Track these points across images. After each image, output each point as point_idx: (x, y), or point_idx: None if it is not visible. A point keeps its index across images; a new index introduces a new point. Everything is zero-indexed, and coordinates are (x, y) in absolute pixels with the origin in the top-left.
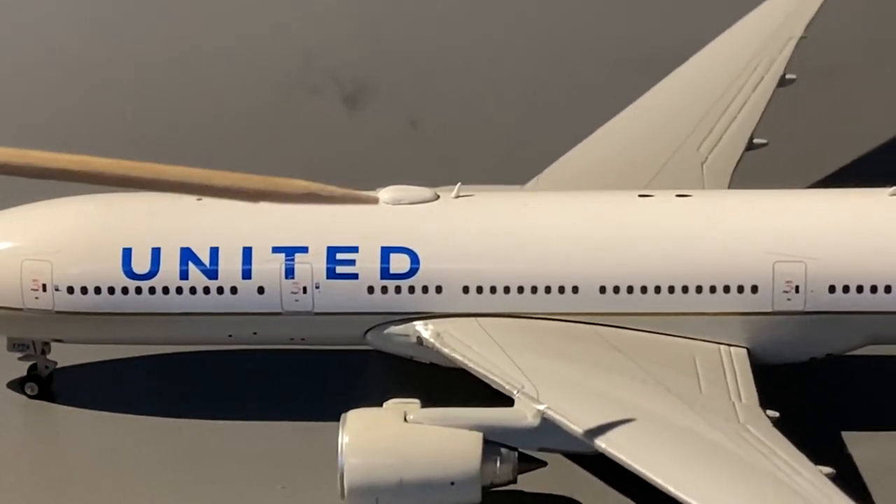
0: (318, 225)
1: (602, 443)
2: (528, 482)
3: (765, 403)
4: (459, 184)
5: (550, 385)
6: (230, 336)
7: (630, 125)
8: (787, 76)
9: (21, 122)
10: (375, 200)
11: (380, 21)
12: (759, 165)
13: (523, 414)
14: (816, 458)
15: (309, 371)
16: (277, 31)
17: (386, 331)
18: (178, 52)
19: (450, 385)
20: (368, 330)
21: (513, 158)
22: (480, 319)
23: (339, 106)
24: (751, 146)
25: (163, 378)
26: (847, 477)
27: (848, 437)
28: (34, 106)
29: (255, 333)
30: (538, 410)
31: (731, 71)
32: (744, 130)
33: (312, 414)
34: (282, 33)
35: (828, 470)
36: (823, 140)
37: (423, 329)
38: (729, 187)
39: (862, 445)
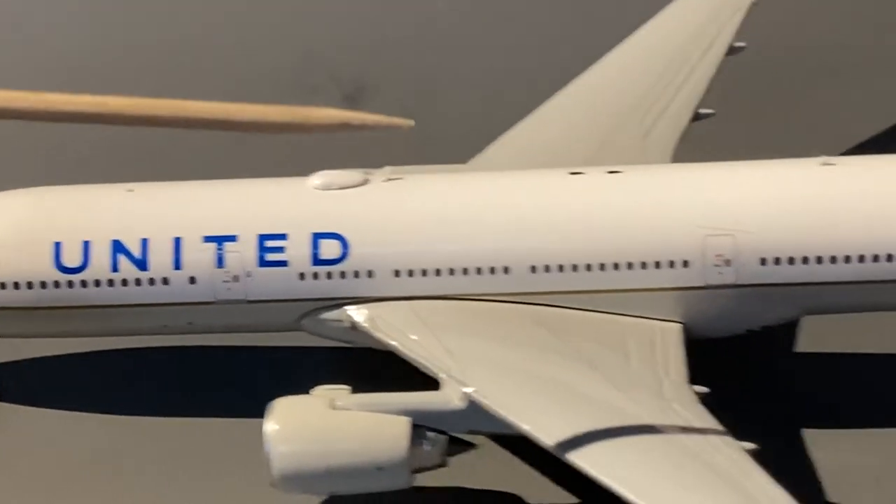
0: (247, 213)
1: (524, 424)
2: (460, 464)
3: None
4: (388, 167)
5: (478, 367)
6: (165, 326)
7: (574, 99)
8: (737, 44)
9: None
10: (409, 125)
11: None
12: (711, 136)
13: (450, 397)
14: (757, 437)
15: (268, 365)
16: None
17: (320, 316)
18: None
19: (401, 370)
20: (303, 316)
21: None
22: (413, 302)
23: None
24: (697, 117)
25: (108, 374)
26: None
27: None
28: None
29: (189, 323)
30: (464, 393)
31: (679, 41)
32: (689, 101)
33: None
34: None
35: (750, 445)
36: (772, 110)
37: (356, 314)
38: (675, 159)
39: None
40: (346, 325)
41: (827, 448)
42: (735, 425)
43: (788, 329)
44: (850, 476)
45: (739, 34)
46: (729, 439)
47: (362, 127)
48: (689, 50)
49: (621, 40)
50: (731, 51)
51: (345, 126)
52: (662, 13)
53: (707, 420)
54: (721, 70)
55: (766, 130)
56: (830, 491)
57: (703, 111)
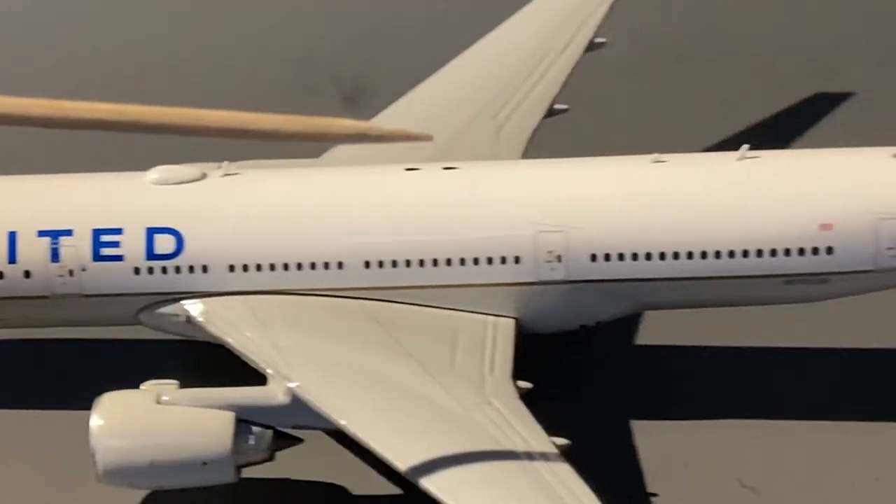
0: (83, 208)
1: (341, 419)
2: (287, 459)
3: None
4: (226, 162)
5: (305, 363)
6: (2, 320)
7: (431, 94)
8: (597, 40)
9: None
10: (429, 138)
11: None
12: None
13: (275, 393)
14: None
15: (106, 358)
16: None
17: (157, 311)
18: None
19: (240, 365)
20: (140, 310)
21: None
22: (247, 297)
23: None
24: (552, 112)
25: None
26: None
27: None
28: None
29: (27, 316)
30: (289, 389)
31: (539, 36)
32: (544, 97)
33: None
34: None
35: (562, 441)
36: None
37: (192, 308)
38: (527, 153)
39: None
40: (182, 319)
41: (651, 439)
42: (565, 420)
43: (621, 322)
44: (670, 465)
45: (600, 30)
46: (542, 435)
47: (380, 139)
48: (548, 46)
49: None
50: (592, 47)
51: (362, 137)
52: (524, 10)
53: (523, 416)
54: (580, 66)
55: (619, 128)
56: (651, 480)
57: (557, 107)
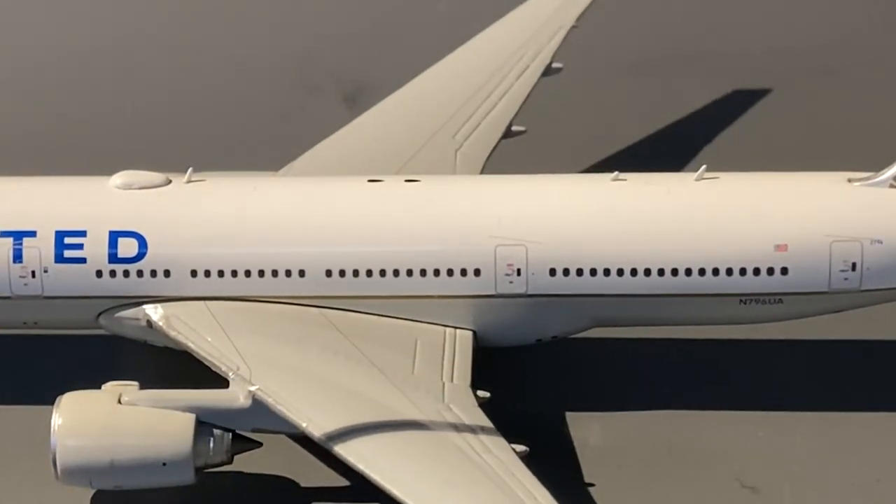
0: (46, 209)
1: (302, 421)
2: (245, 463)
3: (491, 385)
4: (191, 169)
5: (266, 367)
6: None
7: (390, 113)
8: (554, 65)
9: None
10: None
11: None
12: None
13: (236, 395)
14: (537, 437)
15: (71, 356)
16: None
17: (117, 314)
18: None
19: (202, 369)
20: (101, 313)
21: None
22: (209, 303)
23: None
24: (509, 134)
25: None
26: (563, 455)
27: (572, 417)
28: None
29: None
30: (250, 391)
31: (497, 60)
32: (502, 118)
33: None
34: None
35: (521, 448)
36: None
37: (153, 312)
38: (486, 172)
39: (580, 425)
40: (143, 323)
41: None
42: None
43: None
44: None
45: (557, 55)
46: (501, 441)
47: None
48: (506, 70)
49: None
50: (549, 71)
51: None
52: (484, 32)
53: (482, 422)
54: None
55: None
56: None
57: (515, 128)
